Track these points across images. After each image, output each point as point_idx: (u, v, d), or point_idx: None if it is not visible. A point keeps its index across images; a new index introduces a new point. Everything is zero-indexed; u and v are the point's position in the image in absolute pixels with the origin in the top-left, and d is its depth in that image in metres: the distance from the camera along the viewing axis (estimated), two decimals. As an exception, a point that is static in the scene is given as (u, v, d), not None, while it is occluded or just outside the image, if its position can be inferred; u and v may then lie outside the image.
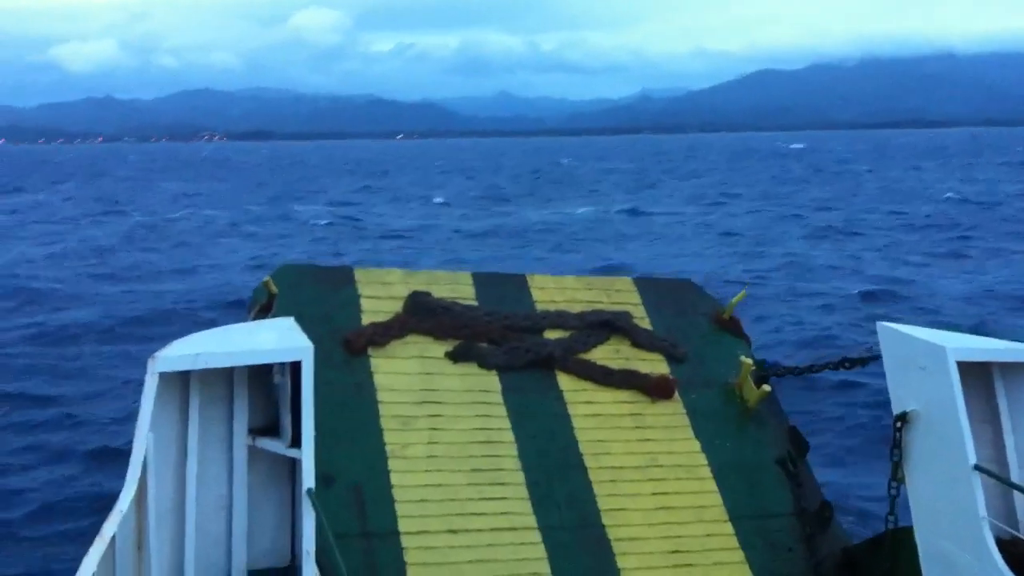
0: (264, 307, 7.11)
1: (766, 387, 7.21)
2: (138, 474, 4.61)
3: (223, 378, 5.22)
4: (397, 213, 55.19)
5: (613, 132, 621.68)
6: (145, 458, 4.66)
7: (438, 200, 65.04)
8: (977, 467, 5.18)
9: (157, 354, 4.74)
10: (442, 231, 44.43)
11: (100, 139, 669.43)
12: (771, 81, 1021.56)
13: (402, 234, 42.88)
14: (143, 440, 4.65)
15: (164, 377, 4.74)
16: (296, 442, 4.96)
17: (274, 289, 7.11)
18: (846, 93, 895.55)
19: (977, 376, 5.63)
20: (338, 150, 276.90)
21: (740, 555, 6.38)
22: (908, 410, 5.61)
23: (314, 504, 4.72)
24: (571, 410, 6.99)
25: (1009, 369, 5.71)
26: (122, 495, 4.56)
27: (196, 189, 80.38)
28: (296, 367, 4.95)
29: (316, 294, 7.33)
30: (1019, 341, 5.98)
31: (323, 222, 49.28)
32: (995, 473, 5.35)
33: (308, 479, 4.81)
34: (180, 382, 5.01)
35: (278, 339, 5.36)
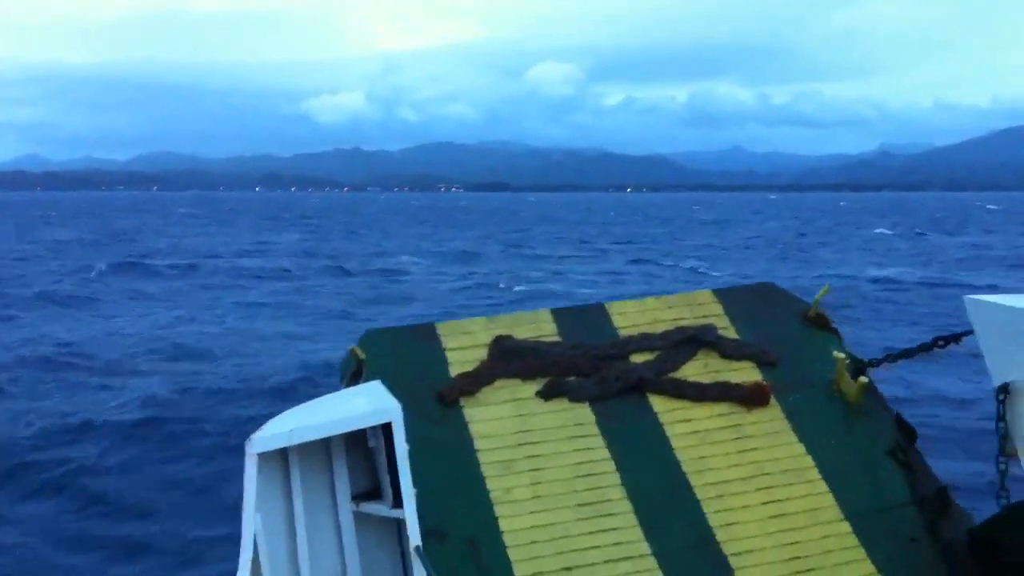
0: (354, 375, 7.22)
1: (863, 379, 7.05)
2: (250, 555, 4.71)
3: (321, 449, 5.34)
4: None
5: (851, 188, 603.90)
6: (255, 538, 4.77)
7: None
8: None
9: (252, 436, 4.86)
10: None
11: (347, 188, 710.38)
12: (1022, 138, 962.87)
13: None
14: (251, 521, 4.75)
15: (263, 457, 4.86)
16: (398, 502, 5.06)
17: (361, 356, 7.24)
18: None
19: None
20: (582, 201, 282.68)
21: (862, 552, 6.22)
22: (1009, 381, 5.50)
23: (422, 561, 4.79)
24: (668, 431, 6.95)
25: None
26: None
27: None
28: (388, 428, 5.06)
29: (403, 354, 7.40)
30: None
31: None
32: None
33: (414, 537, 4.90)
34: (279, 459, 5.16)
35: (366, 403, 5.48)
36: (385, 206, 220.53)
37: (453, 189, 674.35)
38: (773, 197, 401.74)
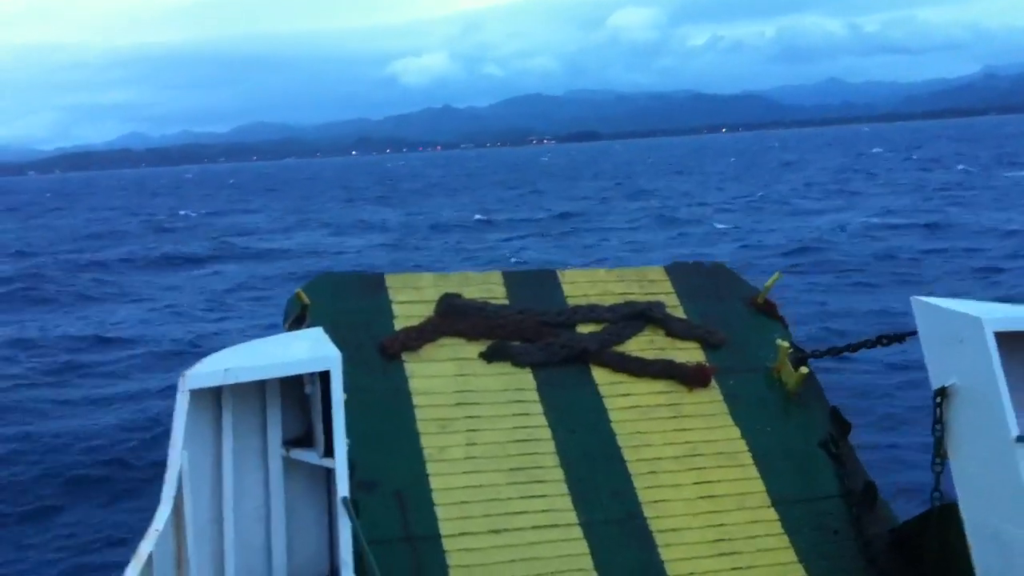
0: (298, 319, 7.15)
1: (804, 369, 7.15)
2: (173, 492, 4.60)
3: (255, 391, 5.21)
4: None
5: (954, 114, 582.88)
6: (180, 475, 4.65)
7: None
8: (1020, 439, 5.10)
9: (187, 372, 4.72)
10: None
11: (439, 147, 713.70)
12: None
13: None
14: (177, 457, 4.64)
15: (195, 394, 4.73)
16: (329, 451, 4.97)
17: (306, 300, 7.16)
18: None
19: (1017, 346, 5.45)
20: (671, 147, 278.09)
21: (785, 540, 6.34)
22: (947, 384, 5.50)
23: (349, 512, 4.70)
24: (608, 403, 6.97)
25: None
26: (158, 513, 4.52)
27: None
28: (325, 376, 4.97)
29: (349, 303, 7.34)
30: None
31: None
32: None
33: (342, 488, 4.80)
34: (212, 398, 5.02)
35: (306, 349, 5.38)
36: (472, 165, 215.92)
37: (545, 142, 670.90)
38: (866, 129, 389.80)
